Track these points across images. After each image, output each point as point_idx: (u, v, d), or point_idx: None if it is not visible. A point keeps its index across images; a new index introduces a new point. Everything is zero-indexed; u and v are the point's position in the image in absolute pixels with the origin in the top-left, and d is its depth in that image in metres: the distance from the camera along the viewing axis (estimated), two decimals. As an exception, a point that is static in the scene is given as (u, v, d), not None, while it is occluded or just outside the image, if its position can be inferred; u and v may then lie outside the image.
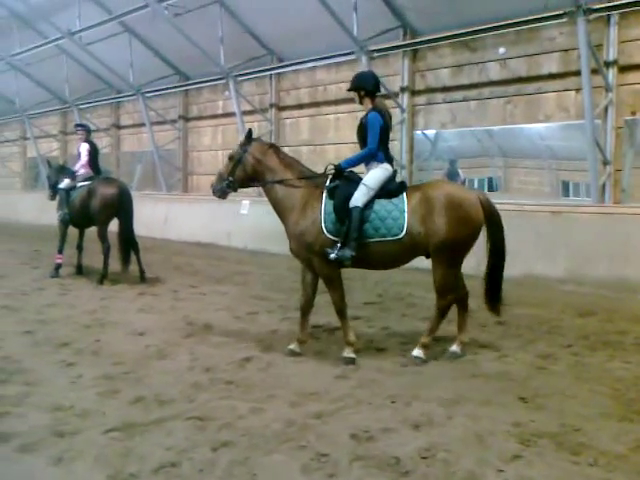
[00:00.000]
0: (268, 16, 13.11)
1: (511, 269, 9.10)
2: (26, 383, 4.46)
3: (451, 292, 5.21)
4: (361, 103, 5.36)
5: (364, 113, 5.29)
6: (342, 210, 5.04)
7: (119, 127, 19.76)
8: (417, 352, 5.09)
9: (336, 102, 13.45)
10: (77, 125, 10.60)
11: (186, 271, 10.19)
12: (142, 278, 9.02)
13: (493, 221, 5.25)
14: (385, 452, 3.31)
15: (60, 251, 9.45)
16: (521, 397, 4.19)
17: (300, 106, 14.34)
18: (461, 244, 5.05)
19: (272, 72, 14.44)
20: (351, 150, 13.24)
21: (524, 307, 7.24)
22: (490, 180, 20.18)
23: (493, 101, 11.00)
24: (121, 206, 8.99)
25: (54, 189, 9.80)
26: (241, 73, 14.36)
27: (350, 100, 12.84)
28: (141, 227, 11.52)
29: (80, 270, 9.67)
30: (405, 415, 3.84)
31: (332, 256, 4.99)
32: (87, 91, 18.82)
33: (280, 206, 5.40)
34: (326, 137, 13.77)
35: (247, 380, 4.55)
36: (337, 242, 5.02)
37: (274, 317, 6.82)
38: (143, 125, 17.56)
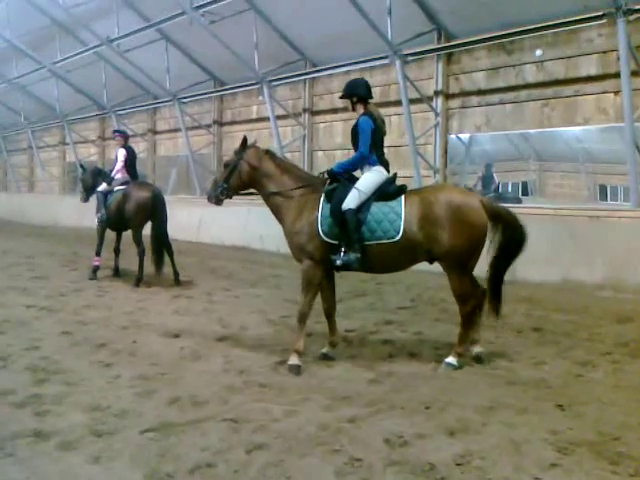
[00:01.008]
0: (302, 21, 13.18)
1: (547, 274, 9.03)
2: (65, 383, 4.56)
3: (471, 297, 5.09)
4: (353, 110, 5.37)
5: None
6: (337, 213, 5.02)
7: (155, 132, 20.10)
8: (450, 360, 5.01)
9: (370, 106, 13.42)
10: (115, 131, 10.87)
11: (220, 274, 10.29)
12: (176, 281, 9.15)
13: (503, 221, 5.09)
14: (419, 458, 3.29)
15: (98, 254, 9.69)
16: (558, 405, 4.11)
17: (334, 110, 14.35)
18: (465, 249, 4.92)
19: (306, 77, 14.50)
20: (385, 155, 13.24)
21: (561, 313, 7.11)
22: (525, 184, 19.91)
23: (530, 104, 10.84)
24: (154, 210, 9.18)
25: (88, 192, 10.10)
26: (275, 78, 14.47)
27: (384, 104, 12.95)
28: (176, 231, 11.72)
29: (117, 272, 9.87)
30: (440, 421, 3.80)
31: (338, 262, 5.00)
32: (125, 97, 19.20)
33: (280, 212, 5.39)
34: (359, 141, 13.74)
35: (281, 383, 4.57)
36: (334, 245, 5.03)
37: (308, 321, 6.81)
38: (179, 130, 17.83)
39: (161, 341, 5.82)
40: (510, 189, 21.54)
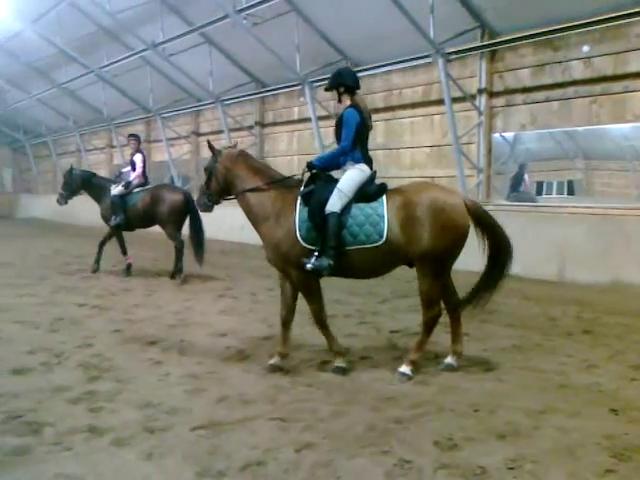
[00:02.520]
0: (343, 22, 13.18)
1: (597, 275, 8.80)
2: (117, 380, 4.68)
3: (438, 303, 4.88)
4: (340, 101, 5.10)
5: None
6: (318, 217, 4.71)
7: (198, 134, 20.40)
8: (404, 369, 4.73)
9: (412, 106, 13.34)
10: (130, 135, 11.20)
11: (263, 274, 10.36)
12: (176, 276, 9.70)
13: (484, 224, 4.90)
14: (470, 461, 3.25)
15: (125, 252, 10.21)
16: (612, 409, 4.01)
17: (375, 110, 14.27)
18: (446, 252, 4.70)
19: (347, 77, 14.47)
20: (426, 154, 13.14)
21: (613, 315, 6.92)
22: (570, 183, 19.45)
23: (577, 101, 10.57)
24: (189, 210, 9.71)
25: (70, 195, 10.68)
26: (317, 79, 14.50)
27: (426, 103, 12.88)
28: (220, 231, 11.89)
29: (98, 269, 10.29)
30: (489, 424, 3.75)
31: (309, 266, 4.68)
32: (169, 100, 19.54)
33: (252, 214, 5.11)
34: (401, 141, 13.68)
35: (327, 383, 4.59)
36: (314, 251, 4.72)
37: (351, 321, 6.83)
38: (221, 132, 18.05)
39: (208, 340, 5.91)
40: (555, 188, 21.07)
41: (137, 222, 10.21)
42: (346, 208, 4.75)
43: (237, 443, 3.50)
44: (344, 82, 5.03)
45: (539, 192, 20.17)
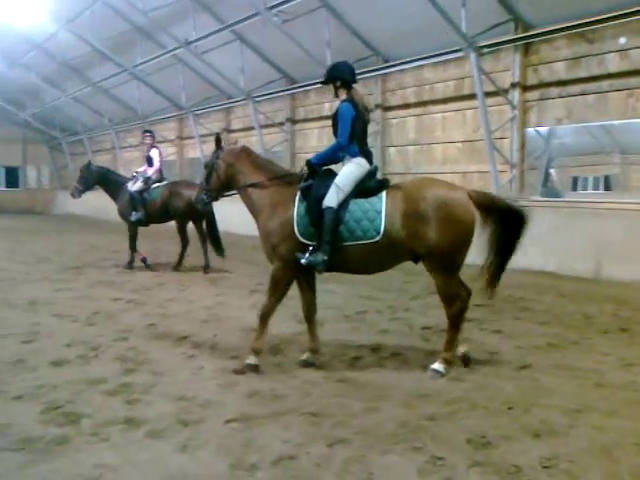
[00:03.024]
0: (374, 17, 13.12)
1: (634, 272, 8.60)
2: (152, 373, 4.76)
3: (457, 299, 4.76)
4: (337, 95, 5.05)
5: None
6: (315, 212, 4.69)
7: (230, 131, 20.55)
8: (437, 366, 4.67)
9: (444, 101, 13.22)
10: (146, 131, 11.45)
11: (294, 270, 10.42)
12: (177, 267, 10.35)
13: (495, 209, 4.78)
14: (504, 459, 3.22)
15: (134, 249, 10.49)
16: (651, 409, 3.93)
17: (406, 106, 14.23)
18: (452, 247, 4.57)
19: (378, 73, 14.42)
20: (458, 149, 13.01)
21: (651, 314, 6.77)
22: (606, 178, 19.04)
23: (613, 94, 10.34)
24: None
25: (84, 190, 10.96)
26: (347, 75, 14.46)
27: (458, 98, 12.74)
28: (248, 227, 11.95)
29: (131, 265, 10.56)
30: (524, 422, 3.71)
31: (303, 261, 4.65)
32: (201, 97, 19.73)
33: (254, 208, 5.11)
34: (433, 136, 13.57)
35: (359, 379, 4.59)
36: (309, 246, 4.69)
37: (383, 317, 6.82)
38: (252, 128, 18.17)
39: (240, 335, 5.97)
40: (591, 183, 20.64)
41: (155, 217, 10.50)
42: (344, 203, 4.71)
43: (269, 437, 3.53)
44: (340, 76, 4.99)
45: (574, 188, 19.78)
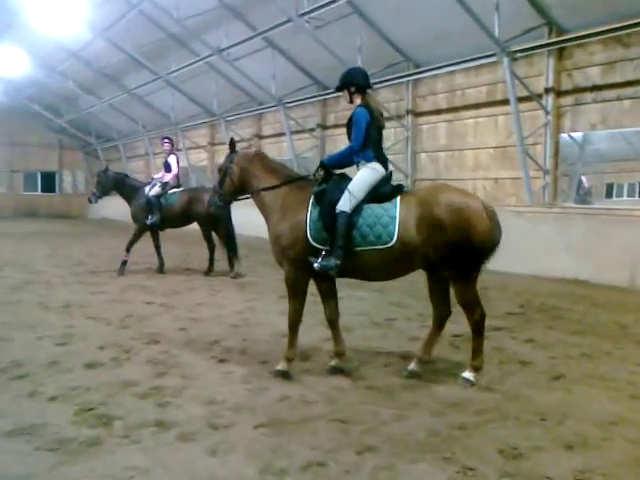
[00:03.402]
0: (405, 23, 13.09)
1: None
2: (183, 376, 4.81)
3: (478, 304, 4.66)
4: (351, 101, 5.02)
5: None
6: (328, 216, 4.66)
7: (261, 137, 20.72)
8: (467, 375, 4.61)
9: (476, 106, 13.11)
10: (164, 137, 11.60)
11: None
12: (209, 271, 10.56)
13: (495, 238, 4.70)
14: (535, 471, 3.17)
15: (129, 250, 10.58)
16: (688, 423, 3.82)
17: (437, 111, 14.15)
18: (466, 255, 4.48)
19: (409, 78, 14.38)
20: (490, 155, 12.87)
21: (690, 324, 6.58)
22: (643, 185, 18.68)
23: (651, 99, 10.13)
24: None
25: (101, 195, 11.13)
26: (378, 80, 14.45)
27: (491, 104, 12.62)
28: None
29: (162, 269, 10.81)
30: (557, 434, 3.64)
31: (315, 265, 4.61)
32: (233, 104, 19.93)
33: (266, 212, 5.13)
34: (465, 142, 13.46)
35: (388, 386, 4.57)
36: (322, 251, 4.66)
37: (413, 324, 6.77)
38: (283, 134, 18.28)
39: (270, 340, 5.99)
40: (626, 190, 20.22)
41: (171, 222, 10.75)
42: (357, 208, 4.68)
43: (298, 443, 3.53)
44: (354, 81, 4.98)
45: (609, 194, 19.38)
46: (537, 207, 11.27)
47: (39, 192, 33.04)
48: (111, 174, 11.29)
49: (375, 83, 14.30)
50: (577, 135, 12.60)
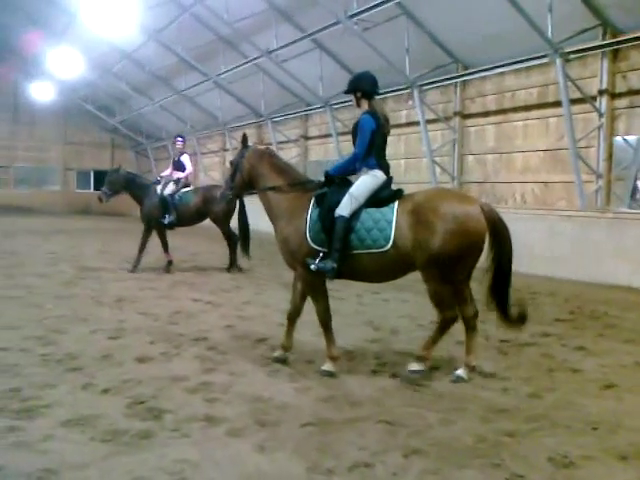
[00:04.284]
0: (455, 24, 12.98)
1: None
2: (230, 373, 4.89)
3: (449, 308, 4.75)
4: (358, 105, 5.06)
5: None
6: (327, 219, 4.77)
7: (307, 138, 20.84)
8: (414, 366, 4.76)
9: (526, 108, 12.88)
10: (178, 136, 11.78)
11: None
12: (235, 268, 10.71)
13: (498, 234, 4.72)
14: (587, 481, 3.10)
15: (141, 251, 10.64)
16: None
17: (486, 113, 13.95)
18: (454, 259, 4.54)
19: (457, 80, 14.24)
20: (540, 159, 12.61)
21: None
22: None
23: None
24: (241, 209, 10.28)
25: (112, 194, 11.04)
26: (426, 82, 14.37)
27: (541, 105, 12.37)
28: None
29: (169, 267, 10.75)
30: (609, 444, 3.55)
31: (312, 267, 4.76)
32: (279, 105, 20.12)
33: (271, 212, 5.24)
34: (514, 145, 13.23)
35: (434, 390, 4.54)
36: (321, 252, 4.78)
37: (458, 328, 6.64)
38: (329, 135, 18.34)
39: (315, 340, 6.01)
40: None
41: (186, 220, 10.89)
42: (356, 213, 4.77)
43: (345, 443, 3.55)
44: (361, 87, 5.01)
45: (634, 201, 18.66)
46: (589, 212, 10.98)
47: (92, 190, 34.01)
48: (122, 173, 11.20)
49: (423, 85, 14.28)
50: (632, 138, 12.21)
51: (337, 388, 4.55)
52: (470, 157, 14.51)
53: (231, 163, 5.56)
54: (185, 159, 11.21)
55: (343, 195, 4.82)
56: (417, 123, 14.93)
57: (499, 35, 12.21)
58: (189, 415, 3.95)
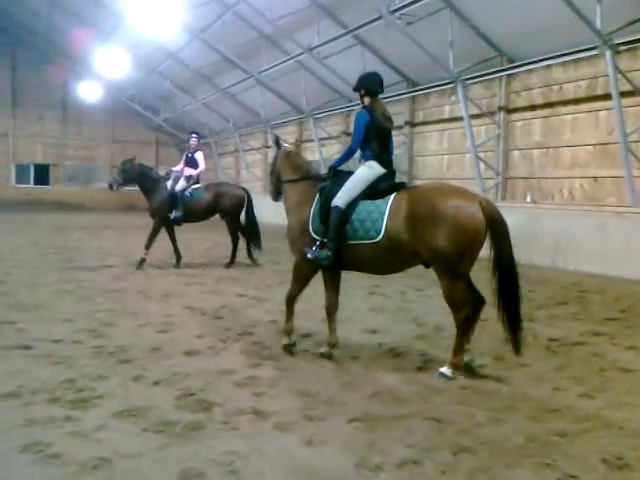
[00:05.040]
0: (500, 17, 12.74)
1: None
2: (277, 368, 4.94)
3: (464, 304, 4.73)
4: (363, 103, 5.30)
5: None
6: (324, 210, 5.03)
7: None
8: (444, 370, 4.71)
9: (574, 101, 12.56)
10: (192, 132, 11.75)
11: (412, 274, 10.29)
12: (252, 260, 11.14)
13: (496, 230, 4.65)
14: (644, 484, 3.03)
15: (148, 247, 10.59)
16: None
17: (532, 107, 13.66)
18: (456, 254, 4.54)
19: (503, 74, 13.98)
20: (589, 153, 12.28)
21: None
22: None
23: None
24: (249, 204, 11.10)
25: (124, 184, 11.10)
26: (470, 77, 14.15)
27: (590, 99, 12.08)
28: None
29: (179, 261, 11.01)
30: (666, 446, 3.46)
31: (309, 255, 5.00)
32: (321, 101, 20.13)
33: (286, 205, 5.64)
34: (561, 139, 12.92)
35: (482, 387, 4.49)
36: (319, 242, 5.05)
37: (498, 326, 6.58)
38: (371, 131, 18.23)
39: (360, 336, 6.04)
40: None
41: (193, 217, 10.98)
42: (352, 204, 4.95)
43: (393, 439, 3.55)
44: (364, 85, 5.29)
45: None
46: (640, 208, 10.66)
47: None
48: (136, 164, 11.11)
49: (466, 79, 14.07)
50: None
51: (383, 384, 4.55)
52: (515, 152, 14.23)
53: (270, 164, 6.06)
54: (199, 156, 11.22)
55: (341, 187, 5.05)
56: (460, 118, 14.73)
57: (545, 27, 11.93)
58: (237, 408, 4.01)
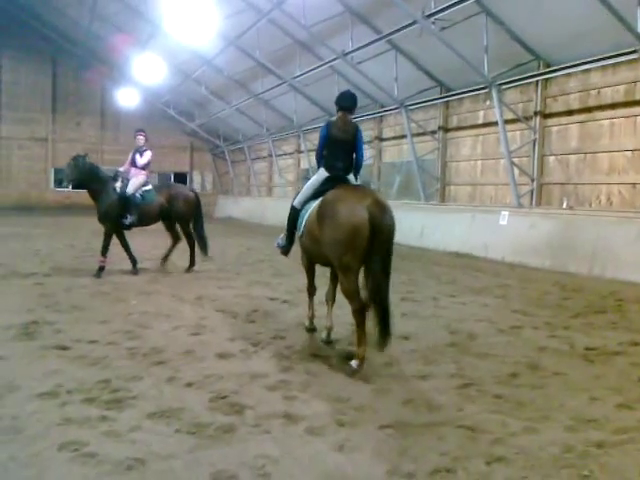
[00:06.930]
0: (536, 20, 12.57)
1: None
2: (308, 372, 4.94)
3: (355, 296, 5.03)
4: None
5: None
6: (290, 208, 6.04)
7: (381, 139, 20.76)
8: (352, 362, 4.98)
9: (612, 106, 12.31)
10: (138, 130, 10.90)
11: (444, 280, 10.27)
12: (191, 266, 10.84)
13: (376, 231, 4.83)
14: (685, 499, 2.93)
15: (104, 254, 9.85)
16: None
17: (569, 112, 13.43)
18: (338, 249, 4.97)
19: (539, 78, 13.79)
20: (628, 159, 12.01)
21: None
22: None
23: None
24: (199, 207, 10.84)
25: (73, 179, 10.14)
26: (505, 81, 14.00)
27: (629, 103, 11.84)
28: (399, 235, 11.98)
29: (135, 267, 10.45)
30: None
31: (275, 243, 6.33)
32: (354, 107, 20.10)
33: None
34: (598, 145, 12.67)
35: (516, 396, 4.41)
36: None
37: (540, 333, 6.48)
38: (404, 137, 18.19)
39: (392, 342, 5.97)
40: None
41: (146, 220, 10.39)
42: (305, 204, 5.79)
43: (425, 447, 3.51)
44: (337, 102, 5.81)
45: None
46: (681, 215, 10.38)
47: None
48: (87, 162, 10.25)
49: (502, 84, 13.91)
50: None
51: (415, 391, 4.52)
52: (551, 158, 14.01)
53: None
54: (147, 156, 10.51)
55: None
56: (494, 123, 14.58)
57: (583, 30, 11.74)
58: (269, 412, 4.02)
